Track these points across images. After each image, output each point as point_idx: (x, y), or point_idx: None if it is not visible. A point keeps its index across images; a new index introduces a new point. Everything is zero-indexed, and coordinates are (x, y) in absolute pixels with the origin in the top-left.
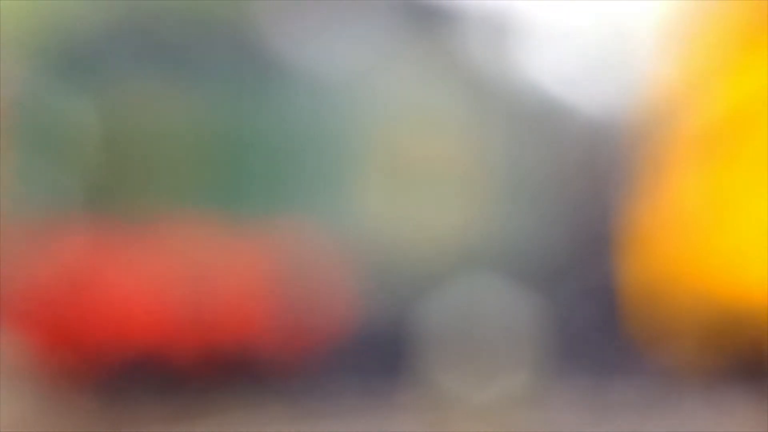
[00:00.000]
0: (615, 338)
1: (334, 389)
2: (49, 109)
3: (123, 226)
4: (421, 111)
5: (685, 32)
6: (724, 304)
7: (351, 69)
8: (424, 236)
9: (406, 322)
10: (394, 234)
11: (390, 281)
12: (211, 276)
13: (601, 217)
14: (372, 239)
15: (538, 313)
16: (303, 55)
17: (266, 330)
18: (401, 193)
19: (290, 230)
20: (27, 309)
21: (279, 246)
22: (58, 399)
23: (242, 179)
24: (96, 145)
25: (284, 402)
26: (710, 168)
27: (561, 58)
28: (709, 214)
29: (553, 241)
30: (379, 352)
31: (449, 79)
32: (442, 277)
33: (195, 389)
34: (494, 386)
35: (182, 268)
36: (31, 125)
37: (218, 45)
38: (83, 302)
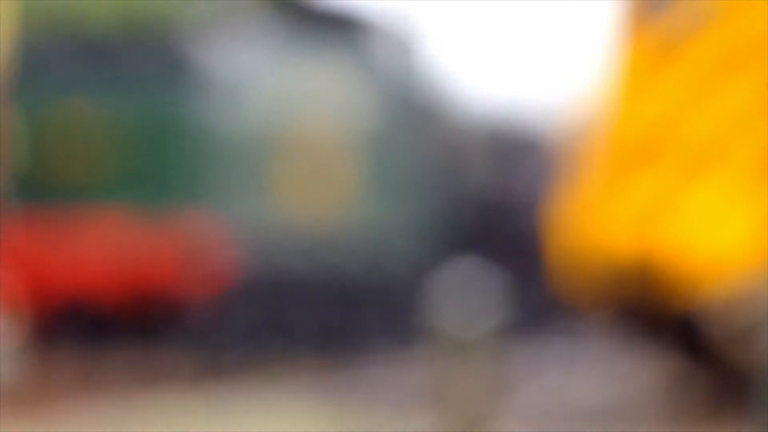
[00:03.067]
0: (544, 296)
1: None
2: None
3: (54, 214)
4: (324, 111)
5: (606, 52)
6: (626, 267)
7: (258, 73)
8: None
9: (283, 283)
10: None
11: (268, 252)
12: (132, 246)
13: (528, 202)
14: (259, 221)
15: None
16: (216, 61)
17: (173, 284)
18: (297, 184)
19: (195, 215)
20: None
21: (185, 226)
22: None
23: (158, 174)
24: (27, 143)
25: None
26: (616, 163)
27: (469, 62)
28: (615, 198)
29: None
30: (255, 303)
31: (355, 81)
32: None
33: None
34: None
35: (110, 242)
36: None
37: (139, 52)
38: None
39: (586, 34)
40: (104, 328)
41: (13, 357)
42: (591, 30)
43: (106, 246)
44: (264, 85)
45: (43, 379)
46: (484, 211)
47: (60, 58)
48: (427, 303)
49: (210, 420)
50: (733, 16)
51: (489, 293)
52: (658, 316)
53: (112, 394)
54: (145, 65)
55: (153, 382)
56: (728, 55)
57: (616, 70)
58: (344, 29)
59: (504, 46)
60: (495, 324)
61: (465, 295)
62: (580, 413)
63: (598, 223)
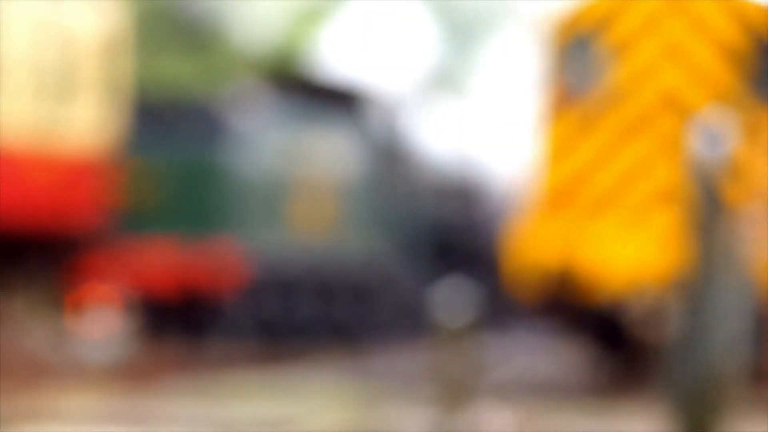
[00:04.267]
0: (502, 300)
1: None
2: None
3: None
4: (323, 161)
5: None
6: (554, 275)
7: (274, 133)
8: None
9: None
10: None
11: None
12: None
13: (488, 232)
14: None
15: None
16: (242, 124)
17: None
18: (303, 216)
19: (224, 240)
20: None
21: (218, 248)
22: None
23: (200, 210)
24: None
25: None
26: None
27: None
28: (546, 228)
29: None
30: (268, 301)
31: (347, 139)
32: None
33: None
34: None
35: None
36: None
37: (188, 115)
38: None
39: (525, 111)
40: (165, 318)
41: (122, 342)
42: (528, 108)
43: (168, 260)
44: (278, 142)
45: (142, 360)
46: (447, 235)
47: (139, 120)
48: (419, 303)
49: (272, 395)
50: (629, 100)
51: (469, 297)
52: (576, 309)
53: (202, 373)
54: (188, 127)
55: (226, 365)
56: (626, 126)
57: (546, 138)
58: (341, 98)
59: (464, 117)
60: (475, 319)
61: (453, 298)
62: (535, 386)
63: (535, 245)
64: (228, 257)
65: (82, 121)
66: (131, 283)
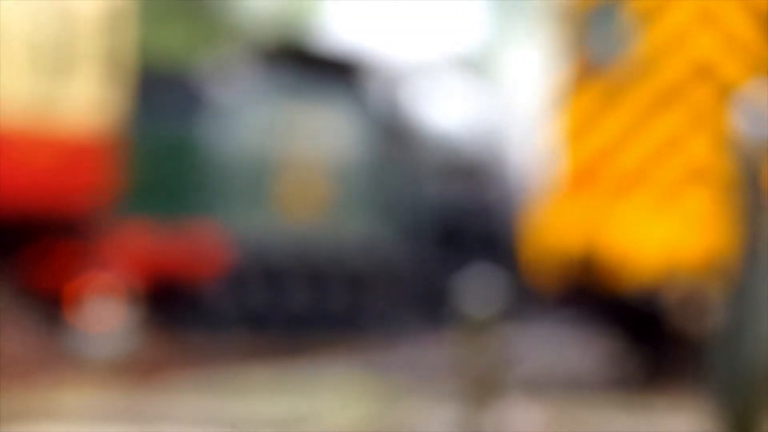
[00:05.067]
0: (521, 289)
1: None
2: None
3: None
4: (315, 137)
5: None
6: (575, 260)
7: (261, 106)
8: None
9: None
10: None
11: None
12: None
13: (507, 215)
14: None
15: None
16: (226, 96)
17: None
18: (291, 196)
19: (205, 223)
20: None
21: (199, 230)
22: None
23: (177, 190)
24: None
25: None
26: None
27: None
28: (568, 210)
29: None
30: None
31: (344, 113)
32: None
33: None
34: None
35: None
36: None
37: (167, 87)
38: None
39: (545, 84)
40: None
41: (125, 336)
42: (548, 81)
43: (148, 244)
44: (266, 116)
45: (145, 355)
46: (457, 219)
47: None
48: (444, 294)
49: (283, 392)
50: (658, 70)
51: (494, 287)
52: (602, 298)
53: (208, 368)
54: (167, 100)
55: (233, 360)
56: (655, 99)
57: (568, 112)
58: (338, 70)
59: (483, 93)
60: (501, 310)
61: (477, 288)
62: (562, 381)
63: (556, 228)
64: (209, 242)
65: (81, 98)
66: (132, 270)
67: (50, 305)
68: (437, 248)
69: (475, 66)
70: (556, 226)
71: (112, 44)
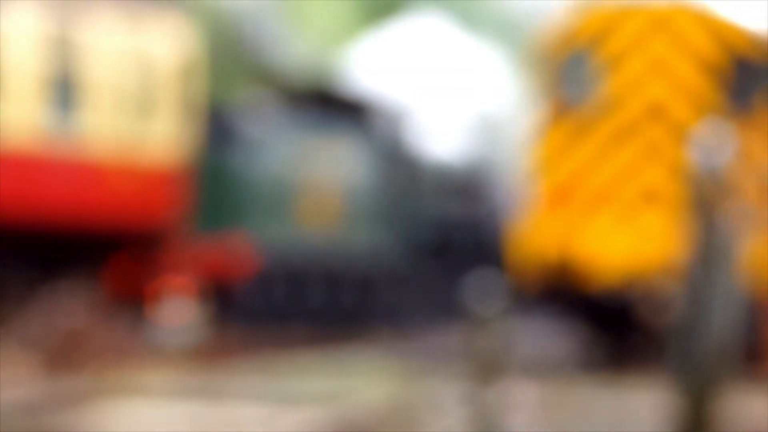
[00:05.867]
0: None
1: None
2: None
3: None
4: (330, 164)
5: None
6: (553, 265)
7: (286, 139)
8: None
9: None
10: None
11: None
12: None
13: (494, 227)
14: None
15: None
16: (258, 131)
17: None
18: (311, 214)
19: (240, 235)
20: None
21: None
22: None
23: (219, 208)
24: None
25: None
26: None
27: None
28: (546, 223)
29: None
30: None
31: (354, 144)
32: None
33: None
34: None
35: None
36: None
37: (211, 124)
38: None
39: (526, 119)
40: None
41: (195, 328)
42: (527, 115)
43: (205, 253)
44: (289, 147)
45: (212, 344)
46: (451, 232)
47: None
48: (440, 293)
49: (329, 373)
50: (619, 109)
51: (499, 287)
52: (572, 294)
53: (263, 354)
54: (212, 133)
55: (282, 347)
56: (616, 133)
57: (545, 142)
58: (351, 108)
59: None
60: (504, 306)
61: (484, 288)
62: (544, 364)
63: (537, 239)
64: (243, 250)
65: (160, 134)
66: (198, 274)
67: (134, 304)
68: (434, 256)
69: (472, 107)
70: (536, 237)
71: (186, 89)
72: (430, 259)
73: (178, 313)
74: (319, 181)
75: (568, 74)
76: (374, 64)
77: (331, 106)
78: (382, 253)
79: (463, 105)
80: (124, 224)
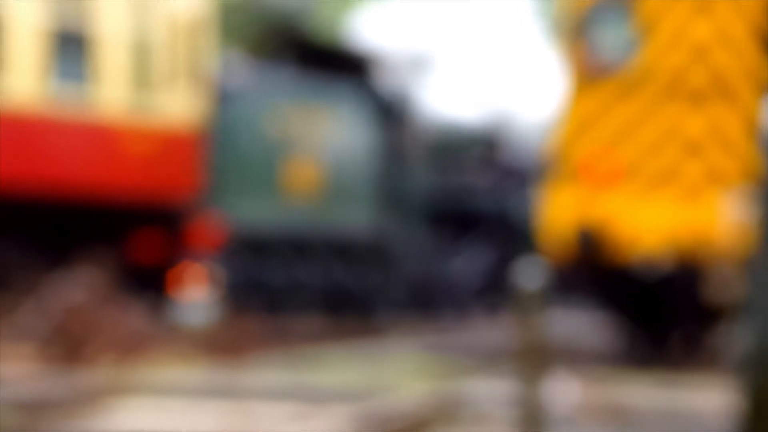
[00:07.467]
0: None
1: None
2: None
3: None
4: (332, 130)
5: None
6: (573, 236)
7: (274, 98)
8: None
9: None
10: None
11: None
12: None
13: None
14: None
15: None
16: (245, 90)
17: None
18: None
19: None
20: None
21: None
22: None
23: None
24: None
25: None
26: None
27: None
28: (568, 196)
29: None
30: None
31: (352, 104)
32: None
33: None
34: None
35: None
36: None
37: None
38: None
39: (552, 82)
40: None
41: (212, 306)
42: (554, 79)
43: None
44: (278, 109)
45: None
46: (466, 202)
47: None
48: (429, 271)
49: (355, 368)
50: (659, 68)
51: (543, 274)
52: (610, 270)
53: (285, 346)
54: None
55: (303, 339)
56: (656, 95)
57: (577, 104)
58: (346, 62)
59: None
60: (548, 295)
61: (528, 275)
62: (584, 355)
63: (567, 210)
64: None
65: (175, 101)
66: (213, 250)
67: (154, 280)
68: (447, 229)
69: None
70: (568, 207)
71: (200, 53)
72: (441, 235)
73: (197, 290)
74: (311, 147)
75: (600, 27)
76: (390, 18)
77: (321, 60)
78: (382, 228)
79: (487, 60)
80: (143, 195)
